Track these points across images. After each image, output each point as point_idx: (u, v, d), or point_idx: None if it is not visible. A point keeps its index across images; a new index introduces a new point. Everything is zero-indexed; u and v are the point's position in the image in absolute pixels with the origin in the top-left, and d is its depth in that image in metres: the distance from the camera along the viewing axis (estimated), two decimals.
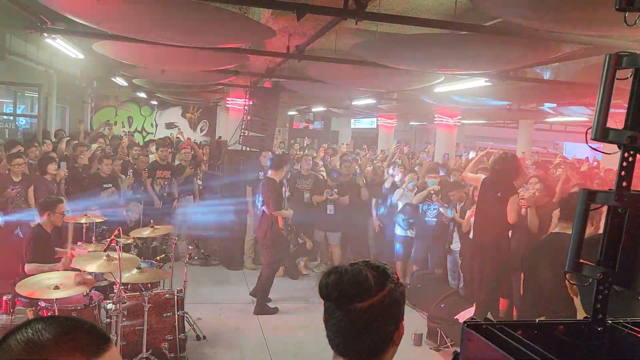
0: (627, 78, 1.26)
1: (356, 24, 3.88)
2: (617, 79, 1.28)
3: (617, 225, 1.26)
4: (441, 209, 6.78)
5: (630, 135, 1.22)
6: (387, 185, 7.81)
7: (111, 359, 0.96)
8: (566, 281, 1.68)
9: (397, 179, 7.62)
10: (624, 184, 1.26)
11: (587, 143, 1.32)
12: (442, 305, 5.85)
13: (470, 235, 5.95)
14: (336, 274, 1.23)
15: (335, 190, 7.84)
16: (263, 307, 6.39)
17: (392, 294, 1.25)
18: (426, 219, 7.09)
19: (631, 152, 1.25)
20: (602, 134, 1.26)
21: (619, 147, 1.27)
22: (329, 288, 1.23)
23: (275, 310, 6.44)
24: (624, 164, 1.26)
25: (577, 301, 1.59)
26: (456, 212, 6.65)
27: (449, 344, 5.50)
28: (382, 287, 1.24)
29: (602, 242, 1.28)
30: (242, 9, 5.23)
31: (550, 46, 4.67)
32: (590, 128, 1.31)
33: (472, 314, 5.34)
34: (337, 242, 8.03)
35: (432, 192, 6.84)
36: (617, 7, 1.22)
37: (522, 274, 4.41)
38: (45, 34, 5.72)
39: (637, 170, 1.30)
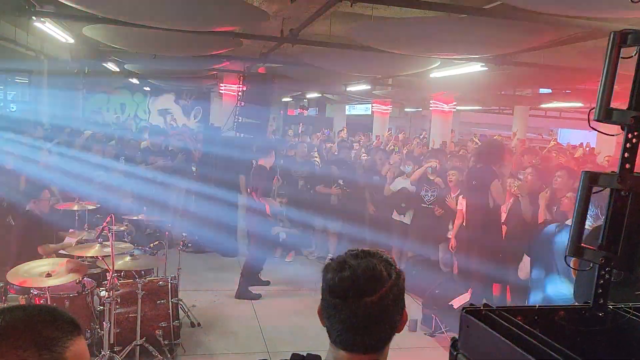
0: (632, 56, 1.22)
1: (351, 6, 3.82)
2: (621, 57, 1.23)
3: (620, 208, 1.23)
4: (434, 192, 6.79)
5: (634, 115, 1.18)
6: (383, 173, 7.76)
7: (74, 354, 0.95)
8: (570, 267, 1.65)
9: (408, 169, 7.49)
10: (627, 165, 1.22)
11: (589, 124, 1.28)
12: (436, 291, 5.85)
13: (464, 223, 5.95)
14: (349, 270, 1.18)
15: (341, 181, 7.83)
16: (244, 292, 6.34)
17: (397, 283, 1.22)
18: (422, 205, 7.06)
19: (635, 133, 1.21)
20: (606, 114, 1.22)
21: (622, 129, 1.23)
22: (345, 283, 1.18)
23: (257, 296, 6.36)
24: (628, 145, 1.21)
25: None
26: (452, 198, 6.63)
27: (443, 330, 5.51)
28: (390, 278, 1.21)
29: (604, 225, 1.24)
30: None
31: (549, 29, 4.62)
32: (593, 109, 1.27)
33: (467, 300, 5.35)
34: (338, 230, 8.02)
35: (429, 168, 6.82)
36: None
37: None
38: (33, 17, 5.62)
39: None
